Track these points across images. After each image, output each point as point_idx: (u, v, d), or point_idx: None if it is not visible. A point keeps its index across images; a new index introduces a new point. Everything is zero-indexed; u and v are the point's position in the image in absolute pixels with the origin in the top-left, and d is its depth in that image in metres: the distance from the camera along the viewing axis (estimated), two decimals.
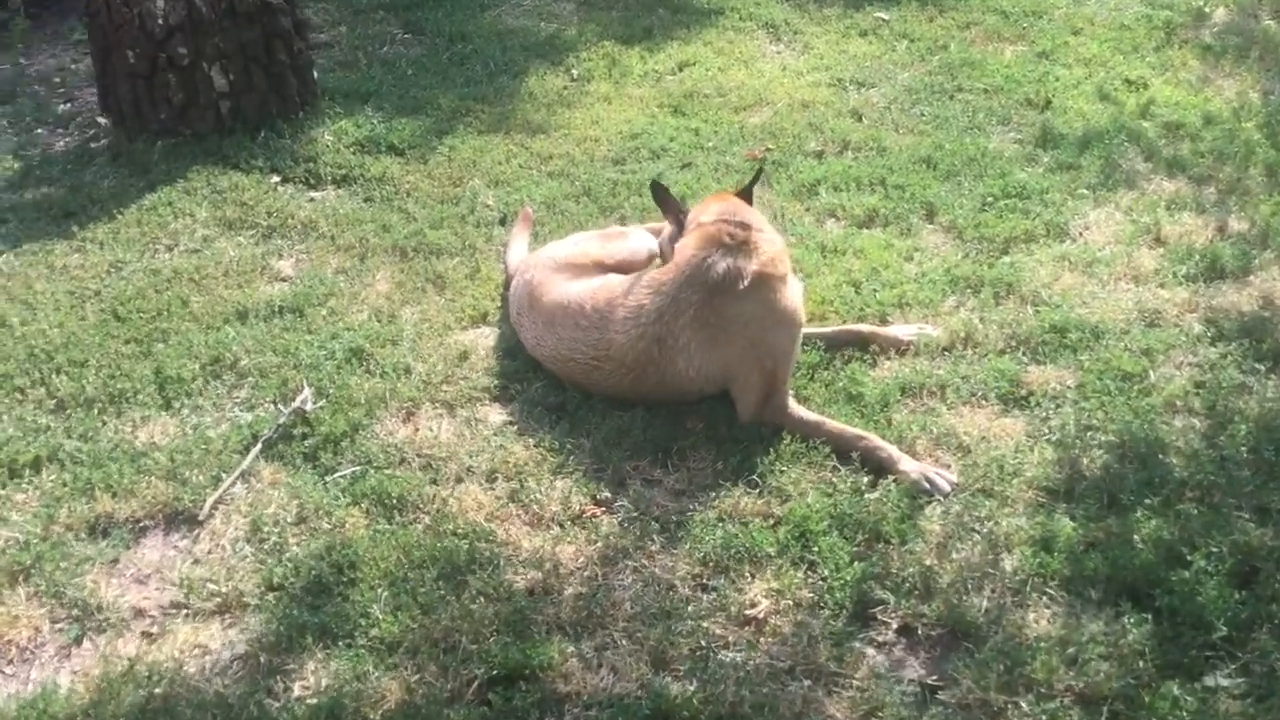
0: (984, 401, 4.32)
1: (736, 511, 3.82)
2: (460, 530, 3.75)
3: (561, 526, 3.81)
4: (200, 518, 3.81)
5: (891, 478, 3.95)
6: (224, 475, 3.97)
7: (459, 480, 4.00)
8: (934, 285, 5.00)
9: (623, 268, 4.67)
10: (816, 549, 3.65)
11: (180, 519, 3.86)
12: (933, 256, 5.26)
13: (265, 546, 3.73)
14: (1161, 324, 4.67)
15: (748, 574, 3.61)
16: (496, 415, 4.33)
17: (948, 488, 3.91)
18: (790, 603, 3.52)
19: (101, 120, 6.62)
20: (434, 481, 3.98)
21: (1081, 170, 5.89)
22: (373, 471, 4.00)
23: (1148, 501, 3.75)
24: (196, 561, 3.71)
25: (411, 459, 4.08)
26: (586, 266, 4.62)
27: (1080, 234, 5.38)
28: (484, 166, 6.21)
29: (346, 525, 3.78)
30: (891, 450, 4.04)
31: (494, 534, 3.76)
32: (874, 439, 4.07)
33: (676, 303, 4.18)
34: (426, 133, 6.54)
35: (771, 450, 4.07)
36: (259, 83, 6.44)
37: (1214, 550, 3.53)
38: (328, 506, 3.84)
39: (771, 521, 3.80)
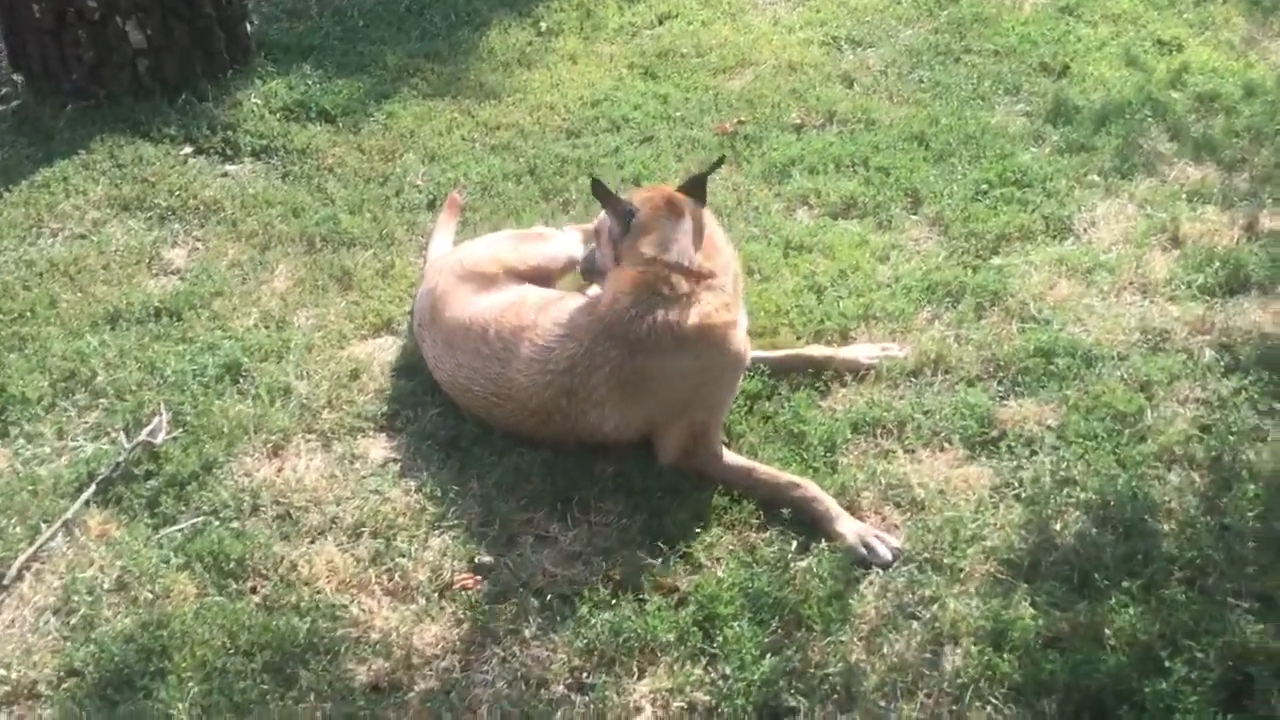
0: (947, 444, 3.66)
1: (635, 584, 3.22)
2: (303, 605, 3.18)
3: (427, 599, 3.23)
4: (4, 582, 3.26)
5: (825, 540, 3.33)
6: (45, 526, 3.42)
7: (317, 536, 3.42)
8: (908, 293, 4.33)
9: (538, 276, 4.03)
10: (721, 638, 3.05)
11: None
12: (911, 256, 4.58)
13: (73, 621, 3.17)
14: (1167, 348, 3.97)
15: (636, 669, 3.01)
16: (379, 450, 3.74)
17: (888, 556, 3.29)
18: (681, 707, 2.92)
19: (16, 78, 6.02)
20: (286, 538, 3.40)
21: (1095, 152, 5.14)
22: (216, 524, 3.43)
23: (1126, 584, 3.10)
24: None
25: (267, 507, 3.51)
26: (496, 276, 3.97)
27: (1084, 231, 4.66)
28: (421, 138, 5.57)
29: (171, 594, 3.22)
30: (829, 504, 3.41)
31: (344, 610, 3.18)
32: (810, 488, 3.45)
33: (591, 355, 3.54)
34: (365, 96, 5.90)
35: (689, 504, 3.46)
36: (180, 38, 5.81)
37: (1200, 654, 2.90)
38: (154, 570, 3.28)
39: (674, 599, 3.20)
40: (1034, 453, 3.59)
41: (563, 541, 3.40)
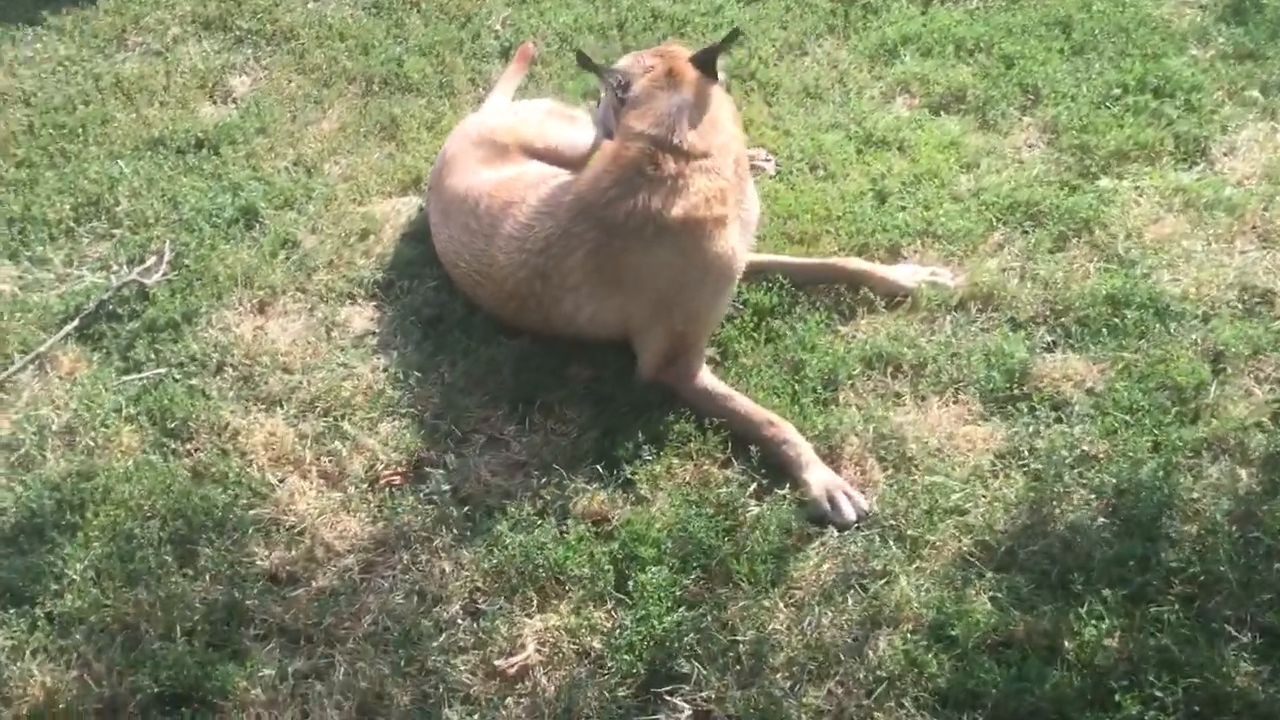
0: (962, 396, 3.24)
1: (564, 508, 3.00)
2: (231, 477, 3.09)
3: (355, 489, 3.09)
4: None
5: (790, 488, 3.01)
6: (20, 355, 3.43)
7: (271, 405, 3.31)
8: (984, 211, 3.82)
9: (554, 159, 3.72)
10: (634, 582, 2.81)
11: None
12: (1004, 166, 4.03)
13: (13, 459, 3.19)
14: (1262, 313, 3.38)
15: (536, 601, 2.82)
16: (362, 320, 3.58)
17: (851, 517, 2.95)
18: (570, 652, 2.72)
19: None
20: (239, 402, 3.31)
21: (1263, 62, 4.36)
22: (176, 378, 3.37)
23: (1107, 592, 2.68)
24: None
25: (232, 367, 3.42)
26: (507, 148, 3.69)
27: (1219, 158, 3.99)
28: None
29: (111, 446, 3.19)
30: (801, 449, 3.08)
31: (269, 488, 3.08)
32: (784, 429, 3.11)
33: (567, 236, 3.26)
34: None
35: (653, 425, 3.18)
36: None
37: (1161, 692, 2.49)
38: (102, 419, 3.25)
39: (603, 530, 2.96)
40: (1059, 419, 3.13)
41: (513, 448, 3.18)
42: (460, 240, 3.49)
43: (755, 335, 3.45)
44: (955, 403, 3.23)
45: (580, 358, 3.38)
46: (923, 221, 3.78)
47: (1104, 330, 3.36)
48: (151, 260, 3.69)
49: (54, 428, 3.25)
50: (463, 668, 2.69)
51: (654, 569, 2.82)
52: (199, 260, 3.74)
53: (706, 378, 3.26)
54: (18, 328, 3.54)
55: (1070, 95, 4.27)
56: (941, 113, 4.31)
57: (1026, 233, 3.74)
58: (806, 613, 2.74)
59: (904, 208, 3.84)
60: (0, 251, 3.84)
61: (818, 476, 3.02)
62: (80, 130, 4.34)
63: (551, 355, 3.39)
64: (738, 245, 3.29)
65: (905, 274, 3.58)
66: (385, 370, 3.39)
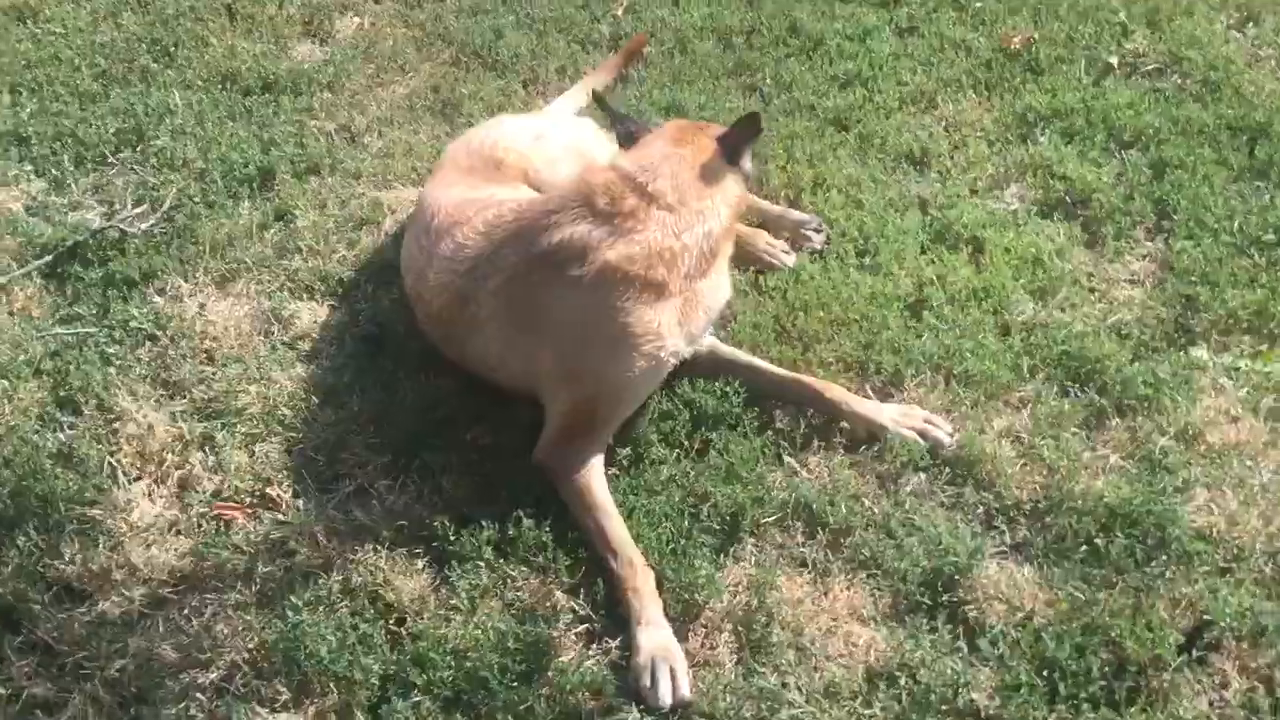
0: (871, 584, 2.72)
1: (378, 593, 2.73)
2: (90, 466, 2.99)
3: (191, 512, 2.93)
4: None
5: (619, 642, 2.64)
6: None
7: (167, 396, 3.19)
8: (1025, 355, 3.18)
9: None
10: (388, 709, 2.53)
11: None
12: (1082, 303, 3.33)
13: None
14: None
15: (284, 697, 2.56)
16: (307, 319, 3.39)
17: (667, 701, 2.53)
18: None
19: None
20: (142, 381, 3.21)
21: None
22: (99, 342, 3.30)
23: None
24: None
25: (158, 342, 3.31)
26: (507, 170, 3.34)
27: None
28: None
29: (11, 402, 3.16)
30: (647, 603, 2.66)
31: (112, 489, 2.97)
32: (640, 574, 2.69)
33: (493, 259, 2.94)
34: None
35: (528, 519, 2.80)
36: None
37: None
38: (15, 369, 3.23)
39: (397, 632, 2.69)
40: (961, 649, 2.58)
41: (372, 507, 2.92)
42: (408, 254, 3.24)
43: (682, 444, 3.01)
44: (859, 590, 2.72)
45: (492, 416, 3.06)
46: (945, 352, 3.18)
47: (1081, 550, 2.73)
48: (144, 208, 3.64)
49: None
50: None
51: (415, 699, 2.54)
52: (190, 217, 3.65)
53: (592, 477, 2.86)
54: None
55: (1212, 229, 3.47)
56: (1052, 215, 3.62)
57: (1064, 395, 3.09)
58: None
59: (936, 329, 3.25)
60: (32, 165, 3.89)
61: (651, 640, 2.62)
62: (170, 51, 4.34)
63: (467, 406, 3.09)
64: (668, 328, 2.86)
65: (891, 414, 3.03)
66: (297, 382, 3.21)
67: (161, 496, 2.98)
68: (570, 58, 4.29)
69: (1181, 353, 3.17)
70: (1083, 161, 3.73)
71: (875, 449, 2.98)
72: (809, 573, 2.76)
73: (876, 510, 2.85)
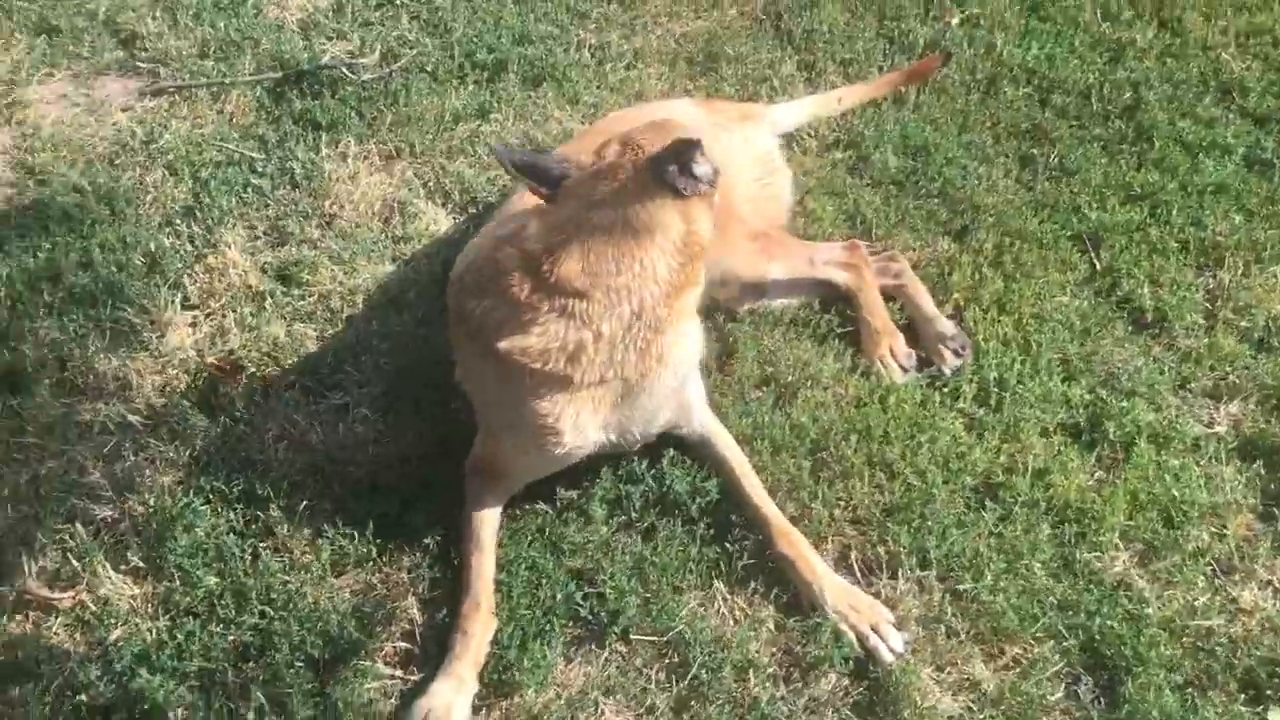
0: None
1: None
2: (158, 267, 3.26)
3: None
4: None
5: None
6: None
7: (271, 242, 3.36)
8: (1057, 610, 2.57)
9: None
10: None
11: None
12: (1180, 577, 2.62)
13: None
14: None
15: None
16: (425, 219, 3.39)
17: None
18: None
19: None
20: (264, 223, 3.40)
21: None
22: (254, 169, 3.52)
23: None
24: None
25: (301, 188, 3.48)
26: None
27: None
28: None
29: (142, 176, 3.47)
30: (465, 656, 2.52)
31: (159, 306, 3.19)
32: (475, 622, 2.54)
33: (464, 271, 2.82)
34: None
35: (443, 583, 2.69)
36: None
37: None
38: (173, 165, 3.52)
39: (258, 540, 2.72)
40: None
41: (336, 430, 2.91)
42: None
43: (627, 517, 2.74)
44: None
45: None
46: (967, 563, 2.63)
47: None
48: (376, 58, 3.76)
49: (130, 141, 3.60)
50: None
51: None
52: (408, 84, 3.72)
53: (484, 517, 2.69)
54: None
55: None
56: (1236, 461, 2.83)
57: (1072, 684, 2.48)
58: None
59: (984, 529, 2.69)
60: None
61: (439, 695, 2.48)
62: None
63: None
64: (570, 421, 2.56)
65: (842, 600, 2.58)
66: (374, 278, 3.24)
67: (193, 335, 3.16)
68: (866, 53, 3.82)
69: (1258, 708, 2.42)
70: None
71: (810, 623, 2.56)
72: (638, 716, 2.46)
73: (761, 693, 2.46)
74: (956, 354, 3.04)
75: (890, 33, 3.91)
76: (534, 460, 2.67)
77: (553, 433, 2.57)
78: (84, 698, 2.46)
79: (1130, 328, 3.10)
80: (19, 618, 2.64)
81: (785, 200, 3.26)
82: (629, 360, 2.52)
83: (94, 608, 2.63)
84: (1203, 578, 2.60)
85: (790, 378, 2.99)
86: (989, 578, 2.59)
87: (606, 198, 2.47)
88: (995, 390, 2.95)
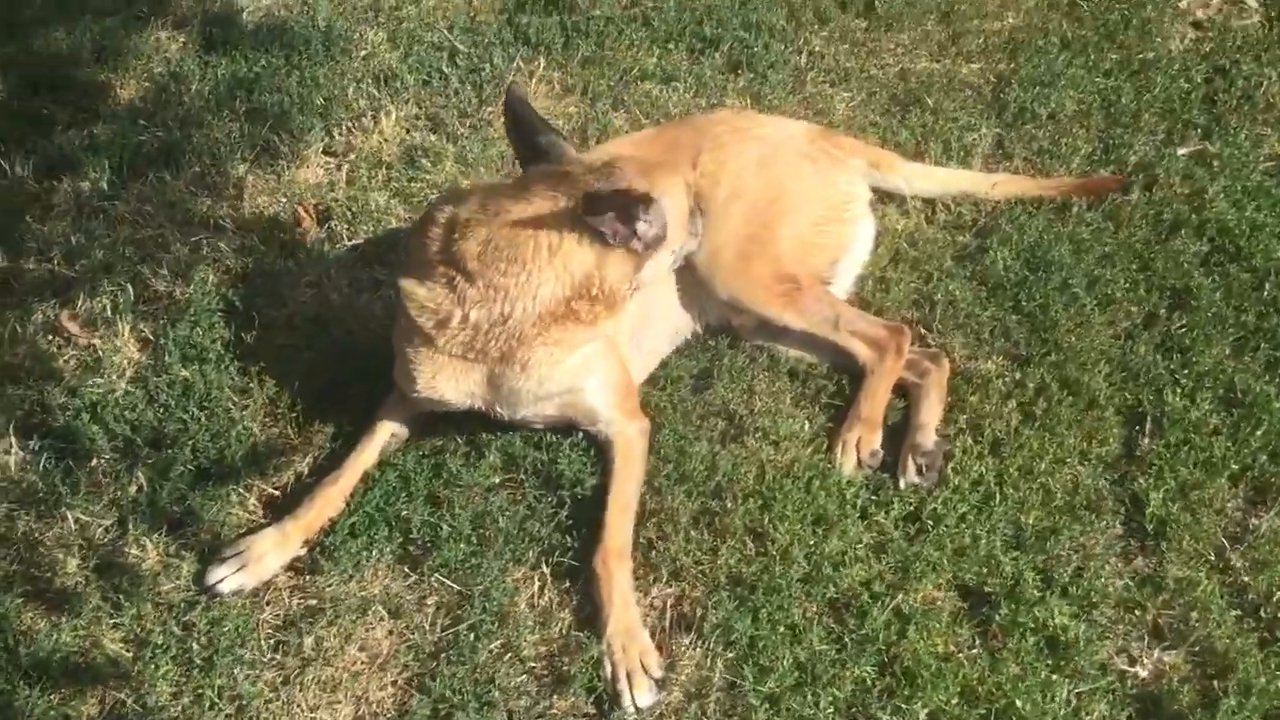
0: None
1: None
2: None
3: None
4: None
5: None
6: None
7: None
8: None
9: None
10: None
11: None
12: None
13: None
14: None
15: None
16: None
17: None
18: None
19: None
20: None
21: None
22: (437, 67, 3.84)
23: None
24: None
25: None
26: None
27: None
28: None
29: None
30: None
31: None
32: (301, 512, 2.79)
33: None
34: None
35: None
36: None
37: None
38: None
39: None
40: None
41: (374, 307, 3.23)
42: None
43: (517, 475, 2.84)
44: None
45: None
46: (760, 656, 2.49)
47: None
48: None
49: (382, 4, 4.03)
50: None
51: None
52: (626, 35, 3.91)
53: (386, 420, 2.91)
54: None
55: None
56: (1127, 709, 2.45)
57: None
58: None
59: (797, 631, 2.52)
60: None
61: (262, 540, 2.74)
62: None
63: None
64: (438, 380, 2.73)
65: (620, 633, 2.56)
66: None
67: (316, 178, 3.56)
68: (1068, 150, 3.48)
69: None
70: None
71: (592, 658, 2.54)
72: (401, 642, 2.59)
73: (505, 679, 2.52)
74: (919, 471, 2.82)
75: (1110, 139, 3.51)
76: (411, 397, 2.84)
77: (408, 377, 2.77)
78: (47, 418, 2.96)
79: (1121, 525, 2.71)
80: (47, 337, 3.18)
81: (840, 255, 3.10)
82: (489, 353, 2.67)
83: (101, 355, 3.12)
84: None
85: (748, 421, 2.91)
86: (769, 684, 2.45)
87: (536, 202, 2.56)
88: (926, 523, 2.71)
